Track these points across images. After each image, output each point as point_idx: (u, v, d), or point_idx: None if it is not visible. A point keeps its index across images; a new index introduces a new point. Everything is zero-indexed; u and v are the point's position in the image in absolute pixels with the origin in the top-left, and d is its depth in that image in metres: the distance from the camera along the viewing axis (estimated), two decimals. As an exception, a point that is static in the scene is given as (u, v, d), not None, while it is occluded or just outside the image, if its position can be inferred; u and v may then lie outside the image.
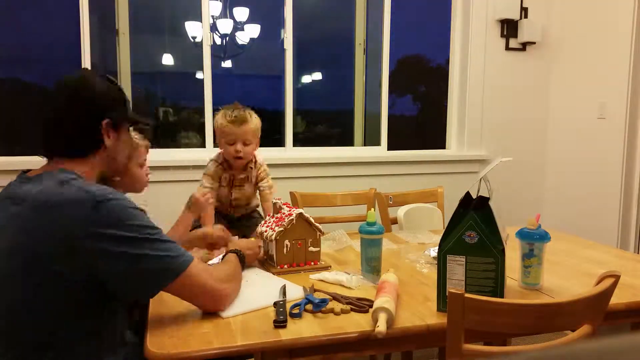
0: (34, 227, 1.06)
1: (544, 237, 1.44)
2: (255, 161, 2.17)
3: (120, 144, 1.27)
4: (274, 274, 1.57)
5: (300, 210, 1.62)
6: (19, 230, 1.07)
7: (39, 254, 1.05)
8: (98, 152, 1.22)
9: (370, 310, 1.21)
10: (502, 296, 1.25)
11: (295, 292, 1.38)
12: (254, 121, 2.08)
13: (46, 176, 1.13)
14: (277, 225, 1.61)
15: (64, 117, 1.19)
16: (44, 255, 1.05)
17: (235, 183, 2.17)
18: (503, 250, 1.24)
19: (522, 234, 1.46)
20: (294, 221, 1.61)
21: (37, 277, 1.06)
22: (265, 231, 1.65)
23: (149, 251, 1.10)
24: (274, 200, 1.72)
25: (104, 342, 1.17)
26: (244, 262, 1.48)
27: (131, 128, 1.37)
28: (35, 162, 1.21)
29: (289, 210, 1.63)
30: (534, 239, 1.44)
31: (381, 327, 1.12)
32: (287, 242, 1.60)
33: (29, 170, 1.20)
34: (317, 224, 1.64)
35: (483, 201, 1.26)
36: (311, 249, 1.63)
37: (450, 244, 1.27)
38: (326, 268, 1.62)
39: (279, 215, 1.67)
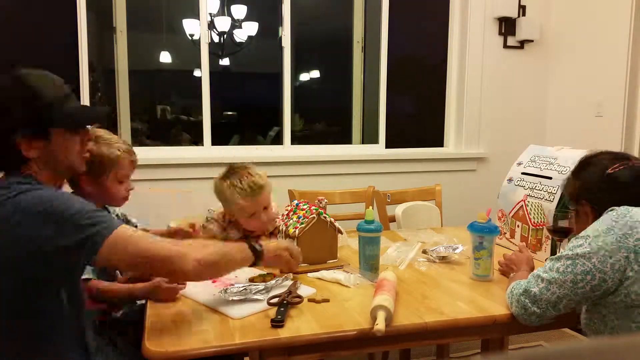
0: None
1: (493, 230, 1.51)
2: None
3: (54, 149, 1.14)
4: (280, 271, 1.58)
5: (321, 211, 1.64)
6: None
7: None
8: (30, 163, 1.12)
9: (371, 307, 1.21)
10: None
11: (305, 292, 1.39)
12: (267, 181, 1.80)
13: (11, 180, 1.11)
14: (299, 223, 1.63)
15: None
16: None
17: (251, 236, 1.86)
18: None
19: (473, 227, 1.52)
20: (316, 220, 1.62)
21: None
22: (286, 230, 1.65)
23: (69, 227, 1.03)
24: (318, 200, 1.71)
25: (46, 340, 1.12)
26: (258, 255, 1.32)
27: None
28: None
29: (310, 209, 1.64)
30: (483, 232, 1.50)
31: (380, 325, 1.12)
32: (304, 240, 1.61)
33: None
34: (336, 224, 1.65)
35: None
36: (329, 247, 1.64)
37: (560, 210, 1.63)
38: (341, 267, 1.62)
39: (299, 212, 1.68)
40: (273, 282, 1.42)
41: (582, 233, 1.20)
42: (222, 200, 1.78)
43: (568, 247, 1.20)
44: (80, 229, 1.04)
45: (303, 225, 1.62)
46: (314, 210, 1.64)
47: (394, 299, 1.25)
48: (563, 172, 1.71)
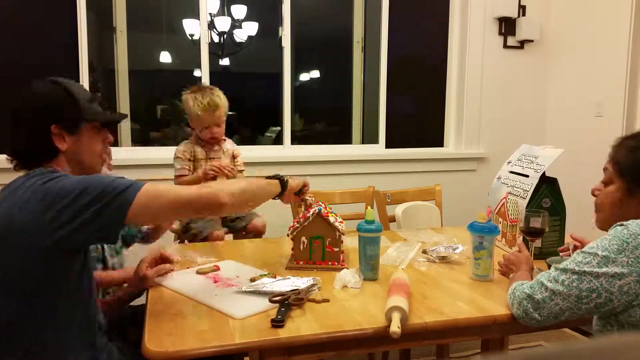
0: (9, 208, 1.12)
1: (493, 230, 1.50)
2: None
3: (81, 145, 1.26)
4: (285, 269, 1.58)
5: (319, 208, 1.63)
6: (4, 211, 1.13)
7: (10, 229, 1.10)
8: (58, 157, 1.23)
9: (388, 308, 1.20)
10: (562, 244, 1.71)
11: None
12: (224, 103, 2.24)
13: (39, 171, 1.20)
14: (296, 222, 1.63)
15: (16, 131, 1.23)
16: (14, 229, 1.09)
17: (211, 156, 2.30)
18: (564, 211, 1.73)
19: (473, 227, 1.51)
20: (311, 219, 1.61)
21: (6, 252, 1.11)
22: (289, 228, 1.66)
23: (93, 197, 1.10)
24: (306, 197, 1.71)
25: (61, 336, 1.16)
26: (284, 185, 1.53)
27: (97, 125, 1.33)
28: None
29: (313, 208, 1.65)
30: (483, 232, 1.49)
31: (393, 327, 1.11)
32: (303, 239, 1.61)
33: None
34: (337, 224, 1.63)
35: (551, 178, 1.76)
36: (331, 248, 1.63)
37: (532, 206, 1.70)
38: (340, 269, 1.61)
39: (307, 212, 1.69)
40: (292, 279, 1.43)
41: (591, 248, 1.14)
42: (186, 110, 2.24)
43: (575, 260, 1.15)
44: (108, 193, 1.11)
45: (298, 226, 1.62)
46: (310, 210, 1.65)
47: (408, 300, 1.25)
48: (538, 171, 1.74)
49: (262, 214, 2.41)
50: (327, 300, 1.33)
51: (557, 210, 1.72)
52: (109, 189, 1.10)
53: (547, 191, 1.72)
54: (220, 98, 2.23)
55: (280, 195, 1.54)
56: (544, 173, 1.75)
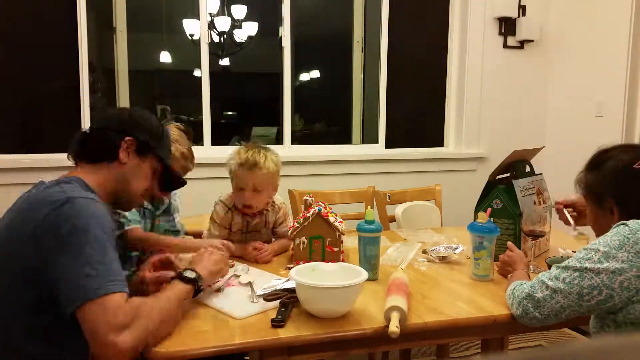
0: (16, 222, 1.12)
1: (493, 230, 1.50)
2: (273, 203, 1.89)
3: (138, 169, 1.28)
4: (285, 269, 1.59)
5: (319, 208, 1.63)
6: (7, 226, 1.14)
7: (13, 247, 1.10)
8: (112, 166, 1.24)
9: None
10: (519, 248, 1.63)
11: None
12: (268, 166, 1.74)
13: (63, 179, 1.19)
14: (296, 222, 1.63)
15: (97, 124, 1.30)
16: (16, 248, 1.09)
17: (249, 229, 1.87)
18: (520, 214, 1.64)
19: (473, 228, 1.51)
20: (311, 219, 1.61)
21: (8, 272, 1.10)
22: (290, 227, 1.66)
23: (75, 263, 1.04)
24: (305, 197, 1.70)
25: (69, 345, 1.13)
26: (195, 285, 1.23)
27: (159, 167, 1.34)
28: (47, 159, 1.22)
29: (313, 208, 1.65)
30: (483, 232, 1.49)
31: (392, 326, 1.11)
32: (303, 239, 1.61)
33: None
34: (337, 224, 1.63)
35: (507, 179, 1.72)
36: (331, 248, 1.63)
37: (482, 208, 1.69)
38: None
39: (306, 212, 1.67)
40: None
41: (593, 245, 1.16)
42: (229, 171, 1.82)
43: (576, 258, 1.16)
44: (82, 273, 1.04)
45: (298, 227, 1.62)
46: (310, 210, 1.65)
47: (407, 300, 1.25)
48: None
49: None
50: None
51: (510, 213, 1.67)
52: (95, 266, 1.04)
53: (500, 193, 1.69)
54: (267, 159, 1.75)
55: (198, 293, 1.26)
56: (498, 177, 1.75)
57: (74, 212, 1.07)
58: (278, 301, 1.27)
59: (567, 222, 1.64)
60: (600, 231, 1.25)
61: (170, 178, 1.39)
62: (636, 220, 1.14)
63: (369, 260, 1.50)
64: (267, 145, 1.86)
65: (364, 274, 1.24)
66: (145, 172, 1.30)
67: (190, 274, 1.23)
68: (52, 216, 1.06)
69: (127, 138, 1.25)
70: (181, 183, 1.44)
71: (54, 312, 1.07)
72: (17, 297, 1.09)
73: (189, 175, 2.74)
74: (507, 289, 1.32)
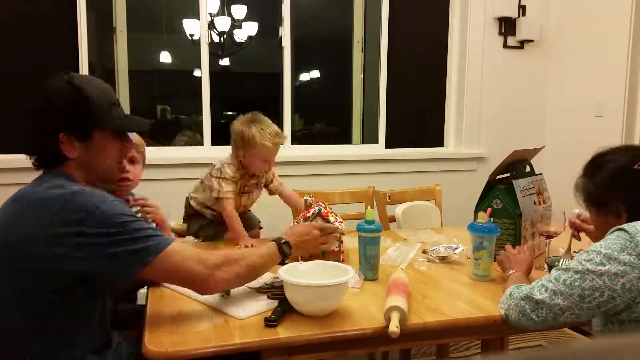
0: (21, 220, 1.11)
1: (494, 230, 1.50)
2: None
3: (93, 152, 1.20)
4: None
5: (319, 208, 1.64)
6: (7, 224, 1.13)
7: (21, 244, 1.09)
8: (69, 163, 1.19)
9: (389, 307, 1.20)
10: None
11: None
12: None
13: (45, 177, 1.18)
14: (296, 221, 1.65)
15: (28, 132, 1.21)
16: (24, 245, 1.09)
17: (245, 190, 2.11)
18: (520, 214, 1.65)
19: (473, 228, 1.51)
20: (311, 219, 1.63)
21: (16, 267, 1.10)
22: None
23: (123, 236, 1.09)
24: (305, 197, 1.72)
25: (83, 340, 1.15)
26: (284, 251, 1.38)
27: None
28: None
29: (313, 208, 1.67)
30: (483, 232, 1.49)
31: (392, 326, 1.11)
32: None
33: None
34: (337, 224, 1.65)
35: (507, 179, 1.71)
36: (331, 249, 1.64)
37: (482, 208, 1.69)
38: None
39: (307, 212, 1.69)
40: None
41: (594, 247, 1.15)
42: (246, 142, 1.99)
43: (577, 260, 1.15)
44: (135, 241, 1.11)
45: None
46: (310, 210, 1.66)
47: (407, 300, 1.25)
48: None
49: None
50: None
51: (510, 213, 1.67)
52: (137, 235, 1.11)
53: (500, 193, 1.69)
54: (279, 127, 2.10)
55: (283, 263, 1.38)
56: (498, 177, 1.76)
57: (85, 200, 1.09)
58: (277, 301, 1.27)
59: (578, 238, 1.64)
60: (605, 235, 1.24)
61: (131, 129, 1.33)
62: (633, 224, 1.14)
63: (369, 260, 1.51)
64: (257, 114, 2.10)
65: (351, 273, 1.26)
66: (100, 147, 1.21)
67: (287, 250, 1.39)
68: (67, 211, 1.07)
69: (60, 136, 1.16)
70: (144, 125, 1.35)
71: (69, 308, 1.11)
72: (30, 294, 1.10)
73: (188, 175, 2.74)
74: (504, 288, 1.32)
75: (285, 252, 1.38)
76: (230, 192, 2.01)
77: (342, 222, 1.69)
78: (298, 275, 1.27)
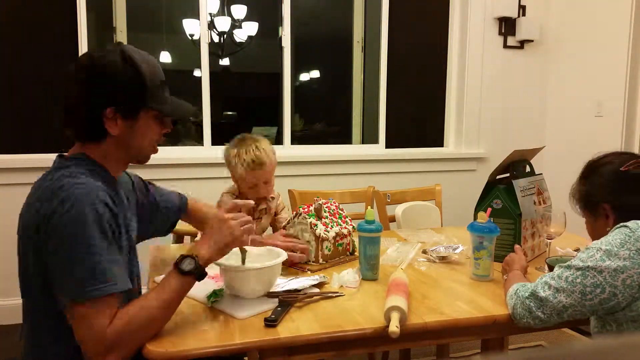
0: (27, 205, 1.12)
1: (494, 230, 1.50)
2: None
3: (135, 131, 1.17)
4: (313, 271, 1.58)
5: (310, 214, 1.66)
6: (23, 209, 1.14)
7: (24, 229, 1.11)
8: (107, 140, 1.16)
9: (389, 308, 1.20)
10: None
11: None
12: (271, 158, 1.87)
13: (67, 163, 1.16)
14: (336, 225, 1.67)
15: (69, 103, 1.15)
16: (26, 229, 1.10)
17: (254, 216, 1.96)
18: (520, 214, 1.64)
19: (473, 228, 1.51)
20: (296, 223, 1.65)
21: (22, 250, 1.12)
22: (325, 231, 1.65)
23: (62, 262, 1.04)
24: (315, 199, 1.70)
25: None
26: (182, 270, 1.14)
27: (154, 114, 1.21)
28: (49, 159, 1.21)
29: (333, 203, 1.70)
30: (483, 232, 1.49)
31: (392, 326, 1.11)
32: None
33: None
34: (321, 232, 1.65)
35: (507, 179, 1.70)
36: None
37: (482, 208, 1.68)
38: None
39: (326, 214, 1.68)
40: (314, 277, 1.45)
41: (595, 244, 1.17)
42: (228, 167, 1.91)
43: (579, 257, 1.17)
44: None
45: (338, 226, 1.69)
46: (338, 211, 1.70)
47: (407, 300, 1.25)
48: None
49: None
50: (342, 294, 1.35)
51: (510, 213, 1.67)
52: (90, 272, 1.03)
53: (500, 193, 1.69)
54: (266, 152, 1.87)
55: (202, 277, 1.17)
56: (498, 177, 1.76)
57: (65, 210, 1.04)
58: (277, 300, 1.27)
59: None
60: (598, 238, 1.26)
61: (175, 114, 1.26)
62: (636, 221, 1.16)
63: (369, 260, 1.50)
64: (253, 135, 1.94)
65: (283, 256, 1.36)
66: (143, 128, 1.18)
67: (187, 265, 1.12)
68: (46, 211, 1.05)
69: (107, 110, 1.12)
70: (192, 111, 1.31)
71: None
72: (43, 298, 1.11)
73: (188, 175, 2.72)
74: (506, 289, 1.32)
75: (183, 269, 1.13)
76: None
77: (329, 228, 1.67)
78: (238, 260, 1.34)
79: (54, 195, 1.06)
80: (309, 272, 1.56)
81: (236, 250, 1.29)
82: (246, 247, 1.32)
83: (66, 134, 1.18)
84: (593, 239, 1.32)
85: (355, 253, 1.69)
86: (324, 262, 1.62)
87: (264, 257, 1.41)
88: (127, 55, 1.15)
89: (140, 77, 1.14)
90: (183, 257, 1.14)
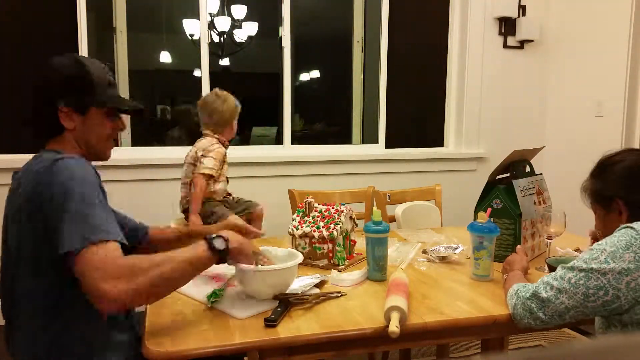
0: (16, 191, 1.15)
1: (494, 230, 1.50)
2: None
3: (89, 127, 1.25)
4: (341, 270, 1.58)
5: (346, 207, 1.69)
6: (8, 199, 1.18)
7: (17, 212, 1.12)
8: (65, 135, 1.24)
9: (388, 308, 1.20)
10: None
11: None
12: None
13: (44, 153, 1.20)
14: (312, 226, 1.65)
15: (31, 104, 1.24)
16: (20, 211, 1.11)
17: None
18: (520, 214, 1.64)
19: (473, 228, 1.51)
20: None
21: (13, 234, 1.14)
22: (325, 230, 1.64)
23: (69, 214, 1.06)
24: (306, 198, 1.71)
25: (82, 339, 1.14)
26: (214, 247, 1.18)
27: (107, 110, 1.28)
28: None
29: (335, 207, 1.68)
30: (483, 232, 1.49)
31: (392, 326, 1.11)
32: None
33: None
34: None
35: (507, 179, 1.70)
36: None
37: (482, 208, 1.69)
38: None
39: (318, 214, 1.68)
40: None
41: (599, 245, 1.16)
42: (224, 108, 2.38)
43: (582, 258, 1.15)
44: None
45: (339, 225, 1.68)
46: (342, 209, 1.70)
47: (407, 299, 1.25)
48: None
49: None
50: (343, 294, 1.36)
51: (510, 213, 1.67)
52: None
53: (500, 193, 1.69)
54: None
55: (223, 261, 1.21)
56: (498, 177, 1.77)
57: (59, 172, 1.09)
58: (277, 301, 1.27)
59: None
60: (607, 233, 1.25)
61: (126, 110, 1.34)
62: None
63: (378, 261, 1.50)
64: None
65: (299, 257, 1.35)
66: (96, 122, 1.26)
67: (219, 244, 1.18)
68: (43, 180, 1.09)
69: (60, 107, 1.21)
70: (140, 110, 1.36)
71: (64, 306, 1.12)
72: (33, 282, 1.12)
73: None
74: (505, 289, 1.32)
75: (216, 247, 1.17)
76: (215, 170, 2.35)
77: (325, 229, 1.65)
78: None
79: (51, 168, 1.10)
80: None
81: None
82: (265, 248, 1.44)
83: (27, 133, 1.25)
84: (603, 234, 1.31)
85: (341, 265, 1.63)
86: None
87: (282, 258, 1.42)
88: (77, 58, 1.26)
89: (87, 75, 1.24)
90: (217, 236, 1.21)
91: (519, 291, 1.24)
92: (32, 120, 1.24)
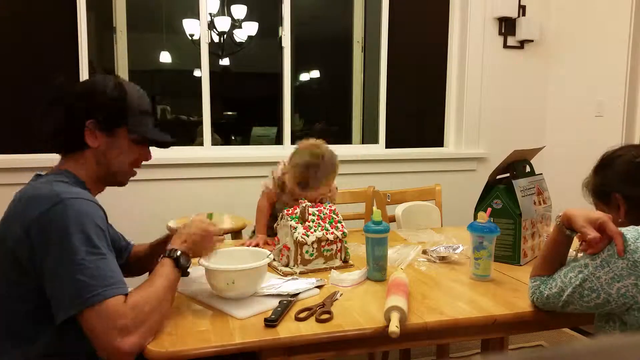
0: (10, 216, 1.13)
1: (494, 230, 1.50)
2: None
3: (113, 149, 1.22)
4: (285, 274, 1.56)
5: (334, 206, 1.69)
6: (2, 221, 1.15)
7: (6, 239, 1.10)
8: (86, 152, 1.21)
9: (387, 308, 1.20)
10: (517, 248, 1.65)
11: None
12: (336, 171, 2.02)
13: (48, 176, 1.19)
14: (321, 229, 1.62)
15: (52, 113, 1.21)
16: (8, 241, 1.10)
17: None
18: (520, 214, 1.63)
19: (473, 227, 1.51)
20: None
21: (4, 264, 1.12)
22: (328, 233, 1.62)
23: (65, 269, 1.04)
24: (300, 201, 1.67)
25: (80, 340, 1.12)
26: (181, 265, 1.21)
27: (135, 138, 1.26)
28: (45, 159, 1.22)
29: (325, 206, 1.67)
30: (483, 232, 1.49)
31: (392, 326, 1.11)
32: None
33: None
34: (299, 236, 1.64)
35: (507, 179, 1.69)
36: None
37: (482, 208, 1.69)
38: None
39: (315, 217, 1.64)
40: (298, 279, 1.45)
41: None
42: (290, 159, 1.96)
43: (583, 259, 1.17)
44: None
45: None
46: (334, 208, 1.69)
47: (407, 300, 1.25)
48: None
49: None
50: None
51: (510, 213, 1.66)
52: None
53: (500, 193, 1.69)
54: (335, 166, 2.05)
55: (184, 274, 1.23)
56: (498, 177, 1.76)
57: (65, 214, 1.06)
58: (277, 300, 1.27)
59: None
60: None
61: (155, 141, 1.30)
62: (636, 228, 1.14)
63: (378, 262, 1.50)
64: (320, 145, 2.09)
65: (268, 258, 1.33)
66: (122, 145, 1.24)
67: (184, 262, 1.21)
68: (44, 218, 1.06)
69: (88, 122, 1.19)
70: (168, 143, 1.33)
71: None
72: (20, 292, 1.11)
73: (188, 175, 2.73)
74: (540, 263, 1.30)
75: (182, 265, 1.21)
76: (267, 189, 2.06)
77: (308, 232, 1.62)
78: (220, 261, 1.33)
79: (44, 198, 1.08)
80: (281, 272, 1.55)
81: (223, 251, 1.35)
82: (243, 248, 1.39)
83: (45, 145, 1.22)
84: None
85: (350, 261, 1.65)
86: (303, 267, 1.56)
87: (251, 257, 1.38)
88: (119, 81, 1.24)
89: (124, 98, 1.22)
90: (176, 251, 1.21)
91: (540, 286, 1.26)
92: (53, 132, 1.21)
